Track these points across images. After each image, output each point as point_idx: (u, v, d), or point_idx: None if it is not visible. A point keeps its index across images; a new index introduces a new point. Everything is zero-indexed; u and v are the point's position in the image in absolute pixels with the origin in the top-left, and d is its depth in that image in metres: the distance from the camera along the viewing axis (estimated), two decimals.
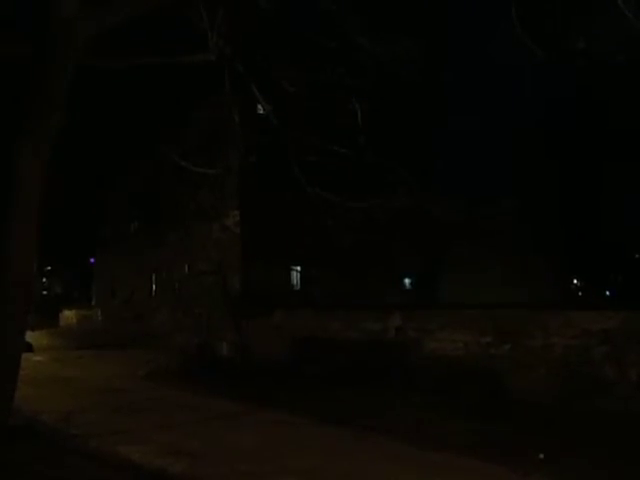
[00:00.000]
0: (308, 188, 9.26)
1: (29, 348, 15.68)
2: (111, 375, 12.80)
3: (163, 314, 21.36)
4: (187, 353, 16.60)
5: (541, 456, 5.72)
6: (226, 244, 17.57)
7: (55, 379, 12.25)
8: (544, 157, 21.76)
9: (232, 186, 17.18)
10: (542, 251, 20.94)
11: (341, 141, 9.52)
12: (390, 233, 18.18)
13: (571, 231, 22.76)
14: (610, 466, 5.44)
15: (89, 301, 34.19)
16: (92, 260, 35.02)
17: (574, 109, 21.25)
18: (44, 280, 50.98)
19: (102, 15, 6.27)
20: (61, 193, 17.69)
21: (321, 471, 5.50)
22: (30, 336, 13.75)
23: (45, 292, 51.04)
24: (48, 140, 6.20)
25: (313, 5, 8.06)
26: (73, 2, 6.10)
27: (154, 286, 23.57)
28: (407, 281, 20.85)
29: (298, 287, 18.26)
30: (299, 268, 18.24)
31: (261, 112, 10.30)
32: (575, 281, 33.71)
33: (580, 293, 35.02)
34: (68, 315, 35.06)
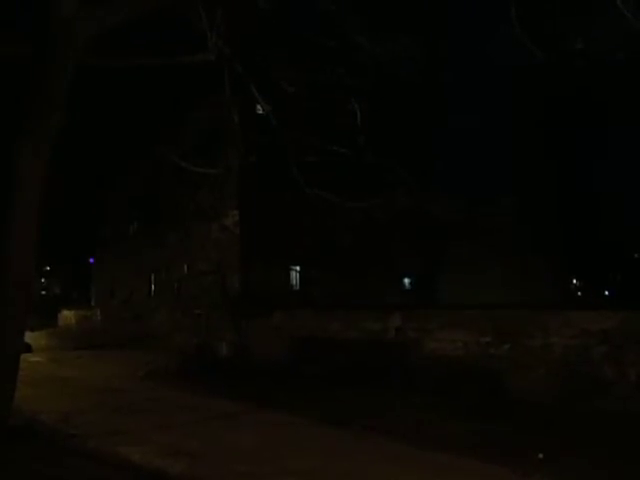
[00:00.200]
0: (307, 188, 9.26)
1: (28, 348, 15.67)
2: (110, 375, 12.79)
3: (162, 314, 21.34)
4: (186, 353, 16.58)
5: (540, 456, 5.73)
6: (225, 244, 17.57)
7: (54, 379, 12.24)
8: (543, 157, 21.78)
9: (231, 186, 17.17)
10: (541, 251, 20.96)
11: (340, 141, 9.52)
12: (390, 233, 18.20)
13: (570, 231, 22.79)
14: (610, 466, 5.45)
15: (88, 301, 34.16)
16: (91, 260, 35.00)
17: (574, 109, 21.25)
18: (43, 280, 50.97)
19: (102, 15, 6.27)
20: (61, 193, 17.68)
21: (321, 472, 5.49)
22: (29, 336, 13.75)
23: (44, 292, 51.01)
24: (48, 140, 6.19)
25: (312, 5, 8.06)
26: (73, 2, 6.10)
27: (153, 286, 23.56)
28: (407, 281, 20.86)
29: (297, 287, 18.26)
30: (298, 268, 18.24)
31: (260, 112, 10.29)
32: (574, 281, 33.72)
33: (579, 293, 35.05)
34: (67, 315, 35.02)
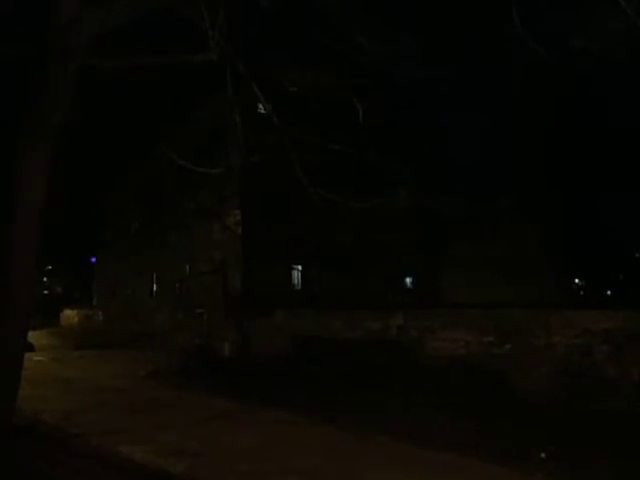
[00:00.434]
0: (309, 188, 9.25)
1: (30, 348, 15.68)
2: (112, 375, 12.80)
3: (164, 314, 21.37)
4: (188, 353, 16.62)
5: (543, 455, 5.72)
6: (227, 244, 17.59)
7: (56, 379, 12.25)
8: (544, 156, 21.75)
9: (233, 186, 17.18)
10: (543, 250, 20.95)
11: (342, 140, 9.51)
12: (391, 232, 18.20)
13: (572, 230, 22.77)
14: (612, 465, 5.44)
15: (90, 301, 34.23)
16: (93, 260, 35.05)
17: (574, 108, 21.24)
18: (45, 279, 51.03)
19: (103, 16, 6.26)
20: (63, 192, 17.70)
21: (322, 471, 5.49)
22: (31, 336, 13.75)
23: (46, 292, 51.09)
24: (50, 140, 6.19)
25: (312, 4, 8.06)
26: (74, 2, 6.10)
27: (155, 286, 23.59)
28: (408, 280, 20.86)
29: (299, 286, 18.28)
30: (300, 267, 18.26)
31: (262, 112, 10.28)
32: (576, 280, 33.70)
33: (581, 292, 35.02)
34: (69, 315, 35.08)
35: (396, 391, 9.27)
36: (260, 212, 16.78)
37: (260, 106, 10.12)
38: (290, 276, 18.24)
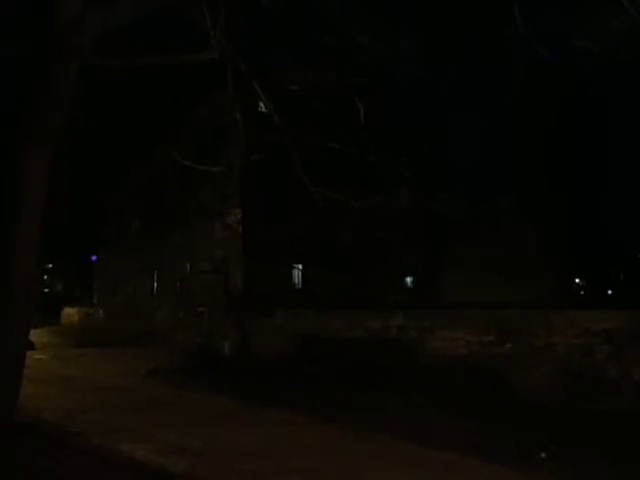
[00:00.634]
0: (310, 186, 9.26)
1: (31, 346, 15.69)
2: (113, 373, 12.82)
3: (165, 312, 21.39)
4: (189, 351, 16.65)
5: (543, 455, 5.73)
6: (228, 242, 17.59)
7: (57, 377, 12.27)
8: (544, 156, 21.74)
9: (234, 184, 17.18)
10: (544, 251, 20.94)
11: (343, 139, 9.52)
12: (391, 232, 18.20)
13: (572, 230, 22.76)
14: (613, 465, 5.45)
15: (91, 299, 34.26)
16: (94, 258, 35.07)
17: (574, 108, 21.22)
18: (46, 278, 51.09)
19: (106, 16, 6.26)
20: (64, 191, 17.71)
21: (323, 470, 5.51)
22: (32, 334, 13.72)
23: (47, 290, 51.14)
24: (51, 140, 6.20)
25: (313, 4, 8.06)
26: (77, 3, 6.10)
27: (156, 284, 23.60)
28: (408, 280, 20.87)
29: (300, 286, 18.28)
30: (301, 266, 18.26)
31: (263, 110, 10.29)
32: (577, 280, 33.71)
33: (582, 292, 35.04)
34: (70, 313, 35.09)
35: (396, 391, 9.28)
36: (261, 211, 16.78)
37: (261, 105, 10.15)
38: (291, 275, 18.25)
